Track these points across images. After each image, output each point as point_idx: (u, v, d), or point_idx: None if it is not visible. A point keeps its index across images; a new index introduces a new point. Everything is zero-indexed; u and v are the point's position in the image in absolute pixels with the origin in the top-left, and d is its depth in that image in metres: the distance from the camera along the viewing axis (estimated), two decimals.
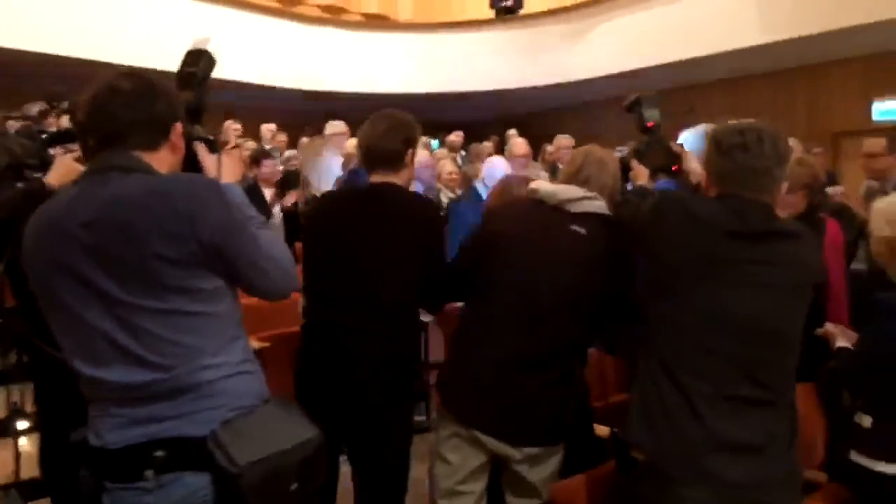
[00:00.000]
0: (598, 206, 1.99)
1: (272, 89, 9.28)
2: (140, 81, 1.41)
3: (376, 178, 2.15)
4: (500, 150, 9.05)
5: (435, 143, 10.17)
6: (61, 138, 2.59)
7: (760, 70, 8.88)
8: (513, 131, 9.25)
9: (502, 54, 10.13)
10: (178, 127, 1.47)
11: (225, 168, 1.59)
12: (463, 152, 8.78)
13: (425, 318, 3.05)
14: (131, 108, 1.38)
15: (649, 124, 2.22)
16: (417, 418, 2.69)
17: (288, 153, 7.29)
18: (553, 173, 6.03)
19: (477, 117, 10.98)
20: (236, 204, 1.46)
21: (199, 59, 1.70)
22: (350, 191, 2.46)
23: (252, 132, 8.18)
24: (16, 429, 3.43)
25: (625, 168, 2.21)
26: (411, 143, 2.15)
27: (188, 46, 1.75)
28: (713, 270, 1.55)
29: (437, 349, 3.62)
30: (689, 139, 2.52)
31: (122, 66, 7.50)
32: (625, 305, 1.96)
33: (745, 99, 9.34)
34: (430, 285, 2.10)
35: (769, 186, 1.59)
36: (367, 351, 2.00)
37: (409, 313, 2.13)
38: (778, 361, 1.57)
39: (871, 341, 1.96)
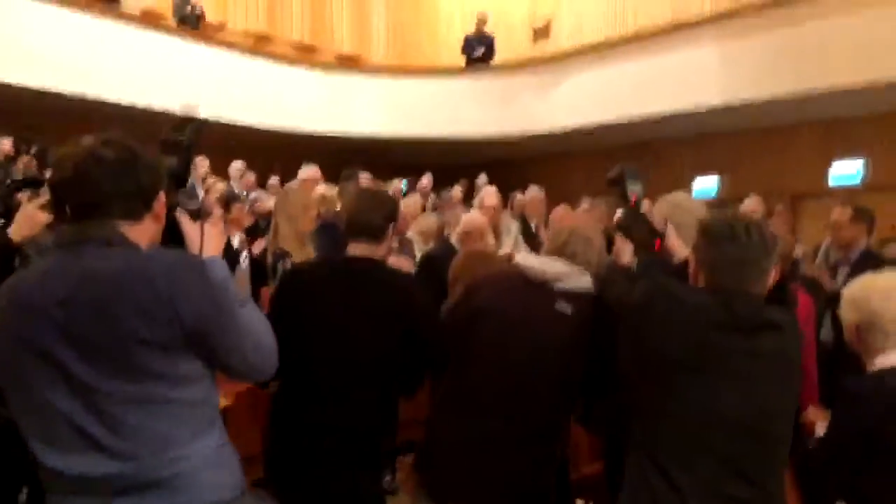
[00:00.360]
0: (585, 282, 1.98)
1: (242, 127, 9.21)
2: (123, 150, 1.35)
3: (355, 250, 2.12)
4: (469, 194, 9.14)
5: (403, 184, 10.20)
6: (27, 185, 2.49)
7: (722, 129, 9.16)
8: (483, 178, 9.34)
9: (472, 102, 10.30)
10: (162, 197, 1.41)
11: (208, 239, 1.52)
12: (433, 195, 8.80)
13: None
14: (114, 179, 1.32)
15: (633, 198, 2.23)
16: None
17: (254, 194, 7.21)
18: (523, 224, 6.07)
19: (446, 161, 11.06)
20: (219, 284, 1.39)
21: (186, 127, 1.65)
22: (323, 267, 2.34)
23: (220, 169, 8.08)
24: None
25: (609, 242, 2.21)
26: (392, 218, 2.18)
27: (178, 112, 1.70)
28: (702, 363, 1.54)
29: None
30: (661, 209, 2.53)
31: (97, 99, 7.51)
32: (601, 381, 1.95)
33: (707, 156, 9.62)
34: (431, 359, 2.09)
35: (758, 277, 1.60)
36: (344, 451, 1.95)
37: (388, 400, 2.08)
38: (769, 458, 1.56)
39: (840, 427, 1.96)
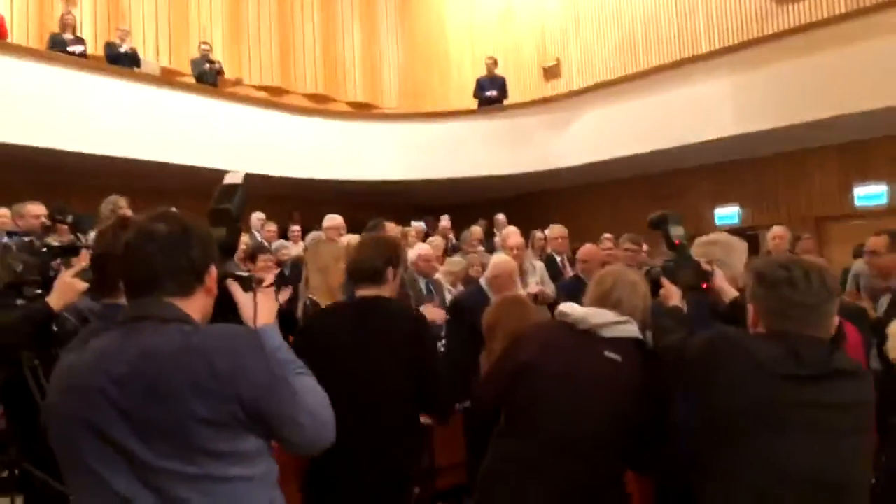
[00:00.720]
0: (632, 330, 1.95)
1: (262, 177, 9.33)
2: (175, 225, 1.35)
3: (362, 292, 2.27)
4: (488, 233, 9.15)
5: (422, 225, 10.24)
6: (64, 253, 2.50)
7: (740, 156, 9.14)
8: (501, 217, 9.35)
9: (486, 142, 10.37)
10: (213, 270, 1.40)
11: (261, 308, 1.49)
12: (453, 238, 8.81)
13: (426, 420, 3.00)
14: (167, 254, 1.32)
15: (676, 242, 2.20)
16: None
17: (277, 244, 7.25)
18: (547, 262, 6.04)
19: (464, 200, 11.11)
20: (274, 354, 1.37)
21: (233, 195, 1.66)
22: (339, 306, 2.55)
23: (243, 220, 8.18)
24: None
25: (655, 285, 2.17)
26: (392, 262, 2.30)
27: (224, 181, 1.71)
28: (772, 418, 1.49)
29: (442, 451, 3.51)
30: (707, 249, 2.49)
31: (115, 157, 7.65)
32: (659, 430, 1.90)
33: (728, 184, 9.58)
34: (433, 394, 2.17)
35: (823, 322, 1.55)
36: (370, 474, 2.06)
37: (408, 425, 2.18)
38: None
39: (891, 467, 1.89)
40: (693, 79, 8.55)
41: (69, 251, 2.53)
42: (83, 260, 2.54)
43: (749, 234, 8.15)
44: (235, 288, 1.49)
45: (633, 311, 1.98)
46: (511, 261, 4.14)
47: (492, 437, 2.03)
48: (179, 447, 1.22)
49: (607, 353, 1.90)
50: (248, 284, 1.50)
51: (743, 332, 1.67)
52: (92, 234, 3.31)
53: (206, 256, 1.38)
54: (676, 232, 2.21)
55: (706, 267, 2.18)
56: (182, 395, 1.21)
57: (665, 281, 2.14)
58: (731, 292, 2.15)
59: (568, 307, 2.03)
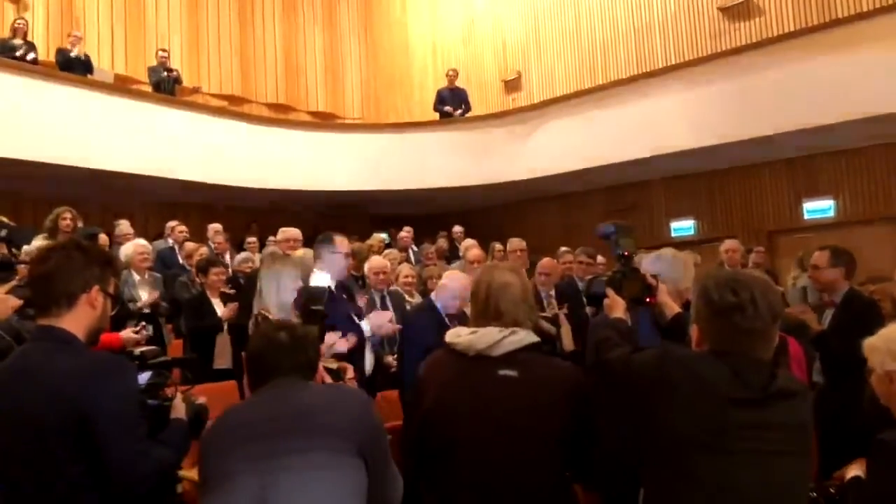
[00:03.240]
0: (520, 339, 1.85)
1: (221, 187, 9.20)
2: (293, 333, 1.80)
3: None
4: (450, 245, 9.17)
5: (384, 236, 10.19)
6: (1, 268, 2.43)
7: (696, 169, 9.34)
8: (458, 229, 9.38)
9: (446, 154, 10.39)
10: (321, 367, 1.86)
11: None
12: (414, 247, 8.78)
13: None
14: (290, 358, 1.75)
15: (625, 253, 2.21)
16: None
17: (241, 256, 7.07)
18: None
19: (426, 211, 11.11)
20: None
21: (321, 298, 2.18)
22: None
23: (196, 230, 8.02)
24: None
25: (599, 297, 2.18)
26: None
27: (311, 283, 2.27)
28: (718, 441, 1.49)
29: None
30: (652, 264, 2.54)
31: (65, 166, 7.45)
32: (586, 436, 1.85)
33: (684, 197, 9.78)
34: None
35: (767, 345, 1.57)
36: None
37: None
38: None
39: (886, 483, 1.87)
40: (649, 93, 8.73)
41: (2, 267, 2.45)
42: (19, 276, 2.47)
43: (704, 245, 8.33)
44: (326, 375, 1.94)
45: (516, 316, 1.88)
46: (462, 276, 4.14)
47: None
48: None
49: (501, 372, 1.82)
50: (339, 375, 1.97)
51: (688, 351, 1.67)
52: (28, 247, 3.22)
53: (318, 355, 1.88)
54: (625, 243, 2.21)
55: (651, 281, 2.20)
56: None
57: (610, 291, 2.15)
58: (673, 308, 2.18)
59: (453, 334, 1.93)
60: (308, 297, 2.16)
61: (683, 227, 9.84)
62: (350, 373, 1.97)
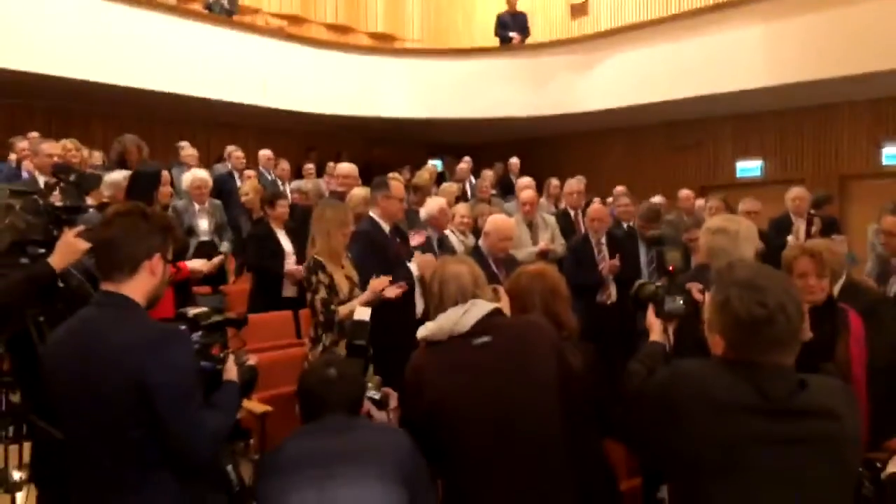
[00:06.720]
0: (482, 309, 1.93)
1: (276, 111, 9.23)
2: (342, 367, 1.95)
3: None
4: (505, 177, 9.03)
5: (438, 163, 10.10)
6: (67, 213, 2.51)
7: (768, 108, 8.85)
8: (515, 161, 9.21)
9: (508, 83, 10.09)
10: (365, 401, 2.01)
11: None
12: (472, 178, 8.62)
13: None
14: (338, 393, 1.89)
15: (670, 268, 2.10)
16: None
17: (293, 185, 7.17)
18: (561, 216, 5.97)
19: (483, 140, 10.94)
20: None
21: (364, 332, 2.22)
22: None
23: (251, 155, 8.08)
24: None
25: (644, 305, 2.09)
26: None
27: (356, 317, 2.38)
28: (738, 464, 1.38)
29: None
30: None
31: (128, 87, 7.57)
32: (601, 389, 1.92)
33: (751, 136, 9.33)
34: None
35: (793, 350, 1.45)
36: None
37: None
38: None
39: None
40: (726, 25, 8.18)
41: (73, 211, 2.53)
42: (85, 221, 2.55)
43: (770, 187, 7.97)
44: (372, 409, 2.04)
45: (472, 296, 1.96)
46: (504, 218, 4.08)
47: None
48: None
49: (476, 342, 1.89)
50: (381, 404, 2.04)
51: (702, 364, 1.52)
52: (113, 177, 3.33)
53: (362, 390, 2.01)
54: (672, 257, 2.11)
55: (697, 296, 2.06)
56: None
57: (650, 314, 2.05)
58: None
59: (422, 331, 1.99)
60: (352, 333, 2.21)
61: (750, 167, 9.42)
62: (393, 402, 2.03)
